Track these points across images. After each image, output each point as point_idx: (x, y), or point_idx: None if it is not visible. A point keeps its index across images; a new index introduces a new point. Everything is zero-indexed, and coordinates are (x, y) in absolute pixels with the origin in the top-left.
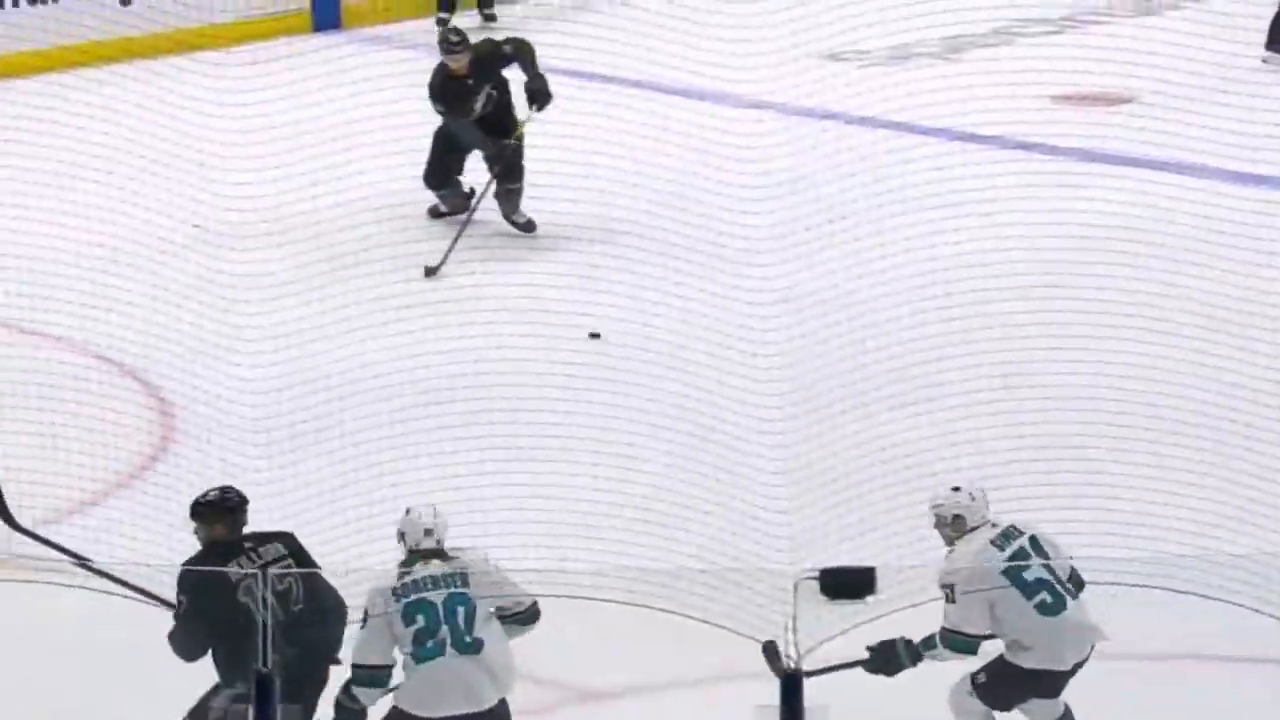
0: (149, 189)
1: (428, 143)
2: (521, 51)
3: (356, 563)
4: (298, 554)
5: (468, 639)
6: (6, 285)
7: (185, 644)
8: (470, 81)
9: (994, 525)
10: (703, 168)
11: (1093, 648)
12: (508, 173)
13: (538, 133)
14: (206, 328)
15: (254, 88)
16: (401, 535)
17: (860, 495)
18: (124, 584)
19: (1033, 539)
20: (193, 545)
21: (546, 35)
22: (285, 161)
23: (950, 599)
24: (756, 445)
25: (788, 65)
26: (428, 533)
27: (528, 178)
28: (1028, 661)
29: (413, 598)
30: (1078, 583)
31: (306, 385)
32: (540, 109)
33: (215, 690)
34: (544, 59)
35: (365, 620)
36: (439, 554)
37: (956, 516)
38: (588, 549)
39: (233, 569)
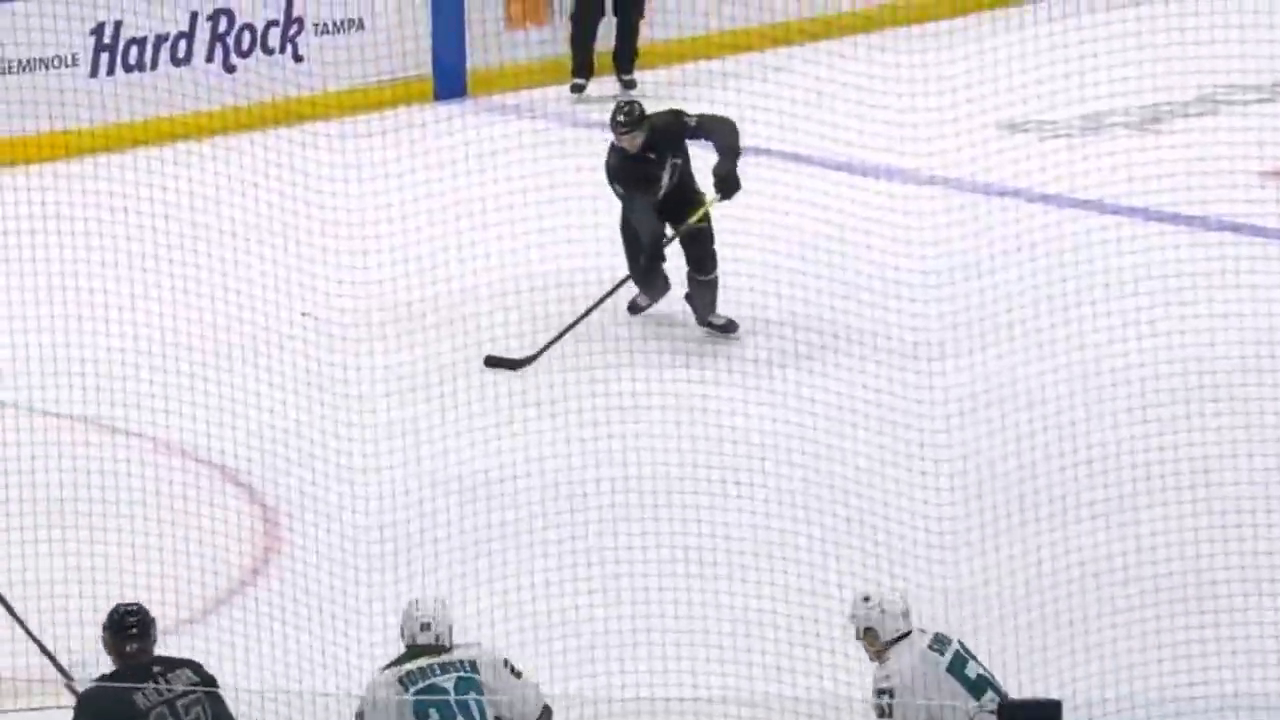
0: (254, 273)
1: (559, 222)
2: (711, 129)
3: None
4: (207, 683)
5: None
6: (99, 379)
7: None
8: (652, 156)
9: (923, 631)
10: (867, 250)
11: None
12: (699, 262)
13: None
14: (315, 426)
15: (371, 162)
16: (401, 629)
17: (1046, 616)
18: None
19: (961, 643)
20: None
21: (689, 104)
22: (404, 243)
23: (886, 712)
24: (927, 560)
25: (963, 137)
26: (424, 627)
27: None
28: None
29: (422, 685)
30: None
31: (425, 491)
32: (725, 198)
33: None
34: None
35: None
36: (439, 650)
37: (867, 629)
38: (731, 669)
39: (140, 697)
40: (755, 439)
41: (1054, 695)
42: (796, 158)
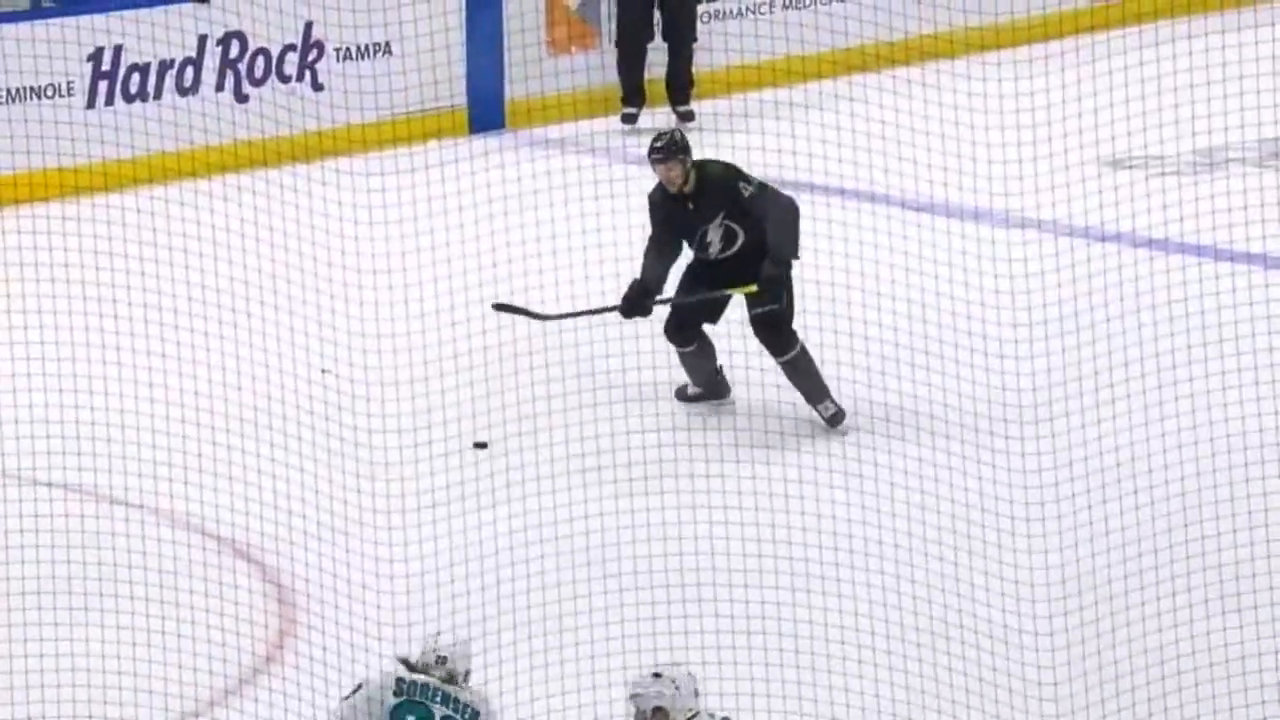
0: (269, 327)
1: (607, 270)
2: (766, 209)
3: None
4: None
5: None
6: (95, 444)
7: None
8: (691, 207)
9: (710, 715)
10: (950, 302)
11: None
12: (770, 346)
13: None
14: (334, 496)
15: (398, 203)
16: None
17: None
18: None
19: None
20: None
21: (754, 136)
22: (434, 293)
23: None
24: (1026, 640)
25: (1061, 174)
26: (439, 661)
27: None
28: None
29: (404, 699)
30: None
31: (456, 568)
32: (761, 304)
33: None
34: (753, 165)
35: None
36: (450, 680)
37: (657, 709)
38: None
39: None
40: (826, 512)
41: None
42: (872, 197)
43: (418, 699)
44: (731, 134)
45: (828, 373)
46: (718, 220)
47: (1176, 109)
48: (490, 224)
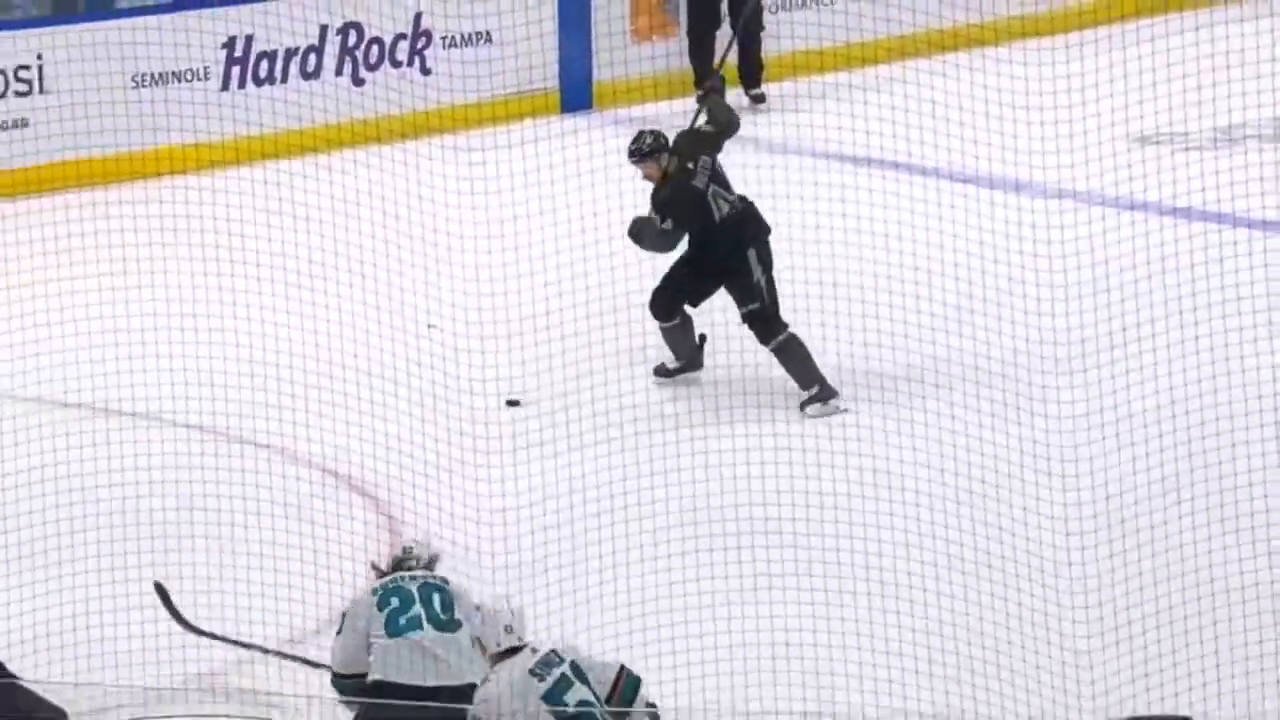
0: (381, 286)
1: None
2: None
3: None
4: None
5: (444, 617)
6: (227, 390)
7: None
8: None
9: (534, 651)
10: (995, 264)
11: None
12: (762, 333)
13: (801, 224)
14: (440, 439)
15: (497, 175)
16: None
17: (1192, 642)
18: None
19: (574, 664)
20: None
21: (818, 115)
22: (529, 256)
23: None
24: (1059, 582)
25: (1094, 149)
26: (406, 551)
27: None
28: None
29: (388, 584)
30: (627, 698)
31: (547, 504)
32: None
33: None
34: (819, 142)
35: (342, 623)
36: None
37: (475, 638)
38: (871, 693)
39: None
40: (880, 453)
41: (1184, 713)
42: (923, 171)
43: (392, 584)
44: (796, 114)
45: (881, 328)
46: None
47: (1199, 90)
48: (579, 195)
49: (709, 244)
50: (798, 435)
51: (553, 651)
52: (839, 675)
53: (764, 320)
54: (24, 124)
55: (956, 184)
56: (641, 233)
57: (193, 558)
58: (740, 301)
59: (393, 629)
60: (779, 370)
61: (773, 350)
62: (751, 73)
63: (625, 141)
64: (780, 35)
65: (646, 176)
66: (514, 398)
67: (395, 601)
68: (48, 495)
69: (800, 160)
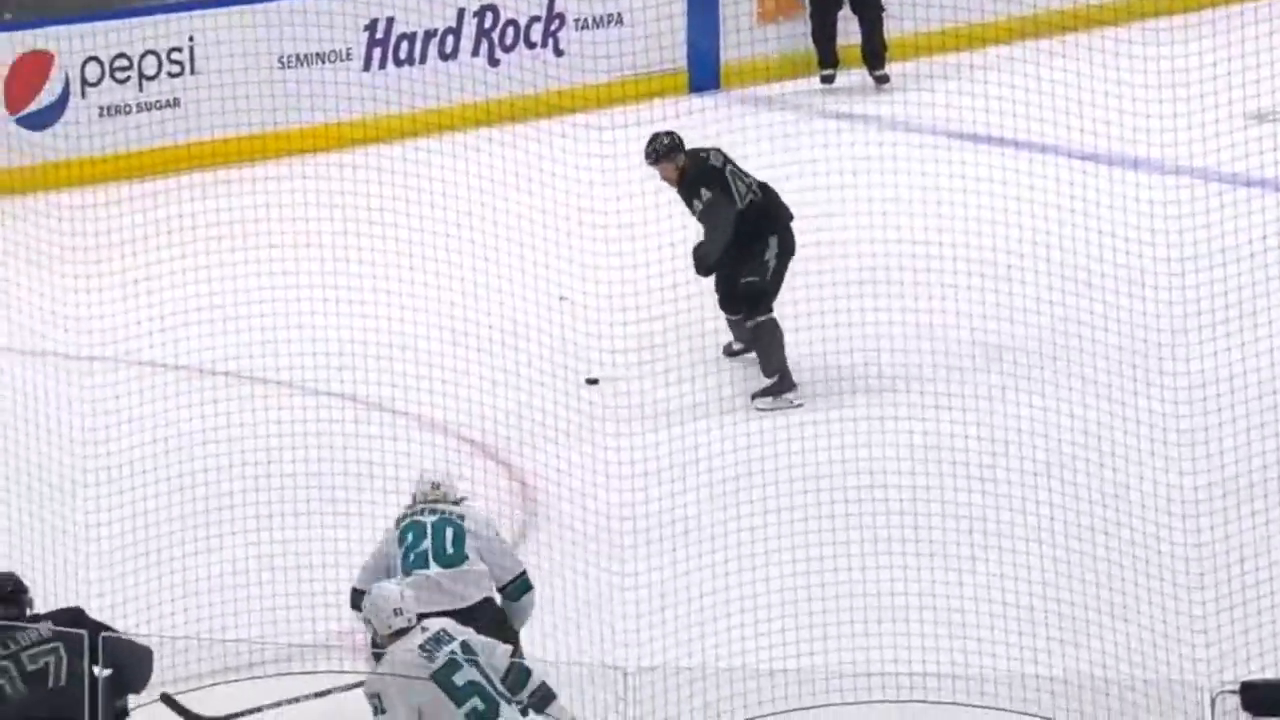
0: (514, 259)
1: (811, 210)
2: (705, 216)
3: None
4: (76, 627)
5: (450, 551)
6: (367, 360)
7: None
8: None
9: (424, 629)
10: (1112, 239)
11: None
12: (750, 309)
13: (923, 200)
14: (569, 407)
15: (627, 153)
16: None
17: None
18: None
19: (464, 644)
20: None
21: (940, 95)
22: (658, 231)
23: (379, 709)
24: (1173, 546)
25: (1210, 127)
26: (435, 486)
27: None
28: None
29: (407, 520)
30: (519, 683)
31: (675, 470)
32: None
33: None
34: (940, 120)
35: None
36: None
37: (365, 620)
38: (989, 654)
39: None
40: (999, 422)
41: None
42: (1043, 148)
43: (410, 520)
44: (919, 93)
45: (1000, 301)
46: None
47: None
48: None
49: (736, 233)
50: (917, 405)
51: (443, 630)
52: (971, 638)
53: (758, 295)
54: (175, 104)
55: (1075, 161)
56: (701, 247)
57: (333, 520)
58: (745, 272)
59: (405, 564)
60: (900, 347)
61: (750, 327)
62: (875, 53)
63: (751, 120)
64: (902, 16)
65: (664, 178)
66: (593, 376)
67: (410, 538)
68: (197, 460)
69: (922, 138)
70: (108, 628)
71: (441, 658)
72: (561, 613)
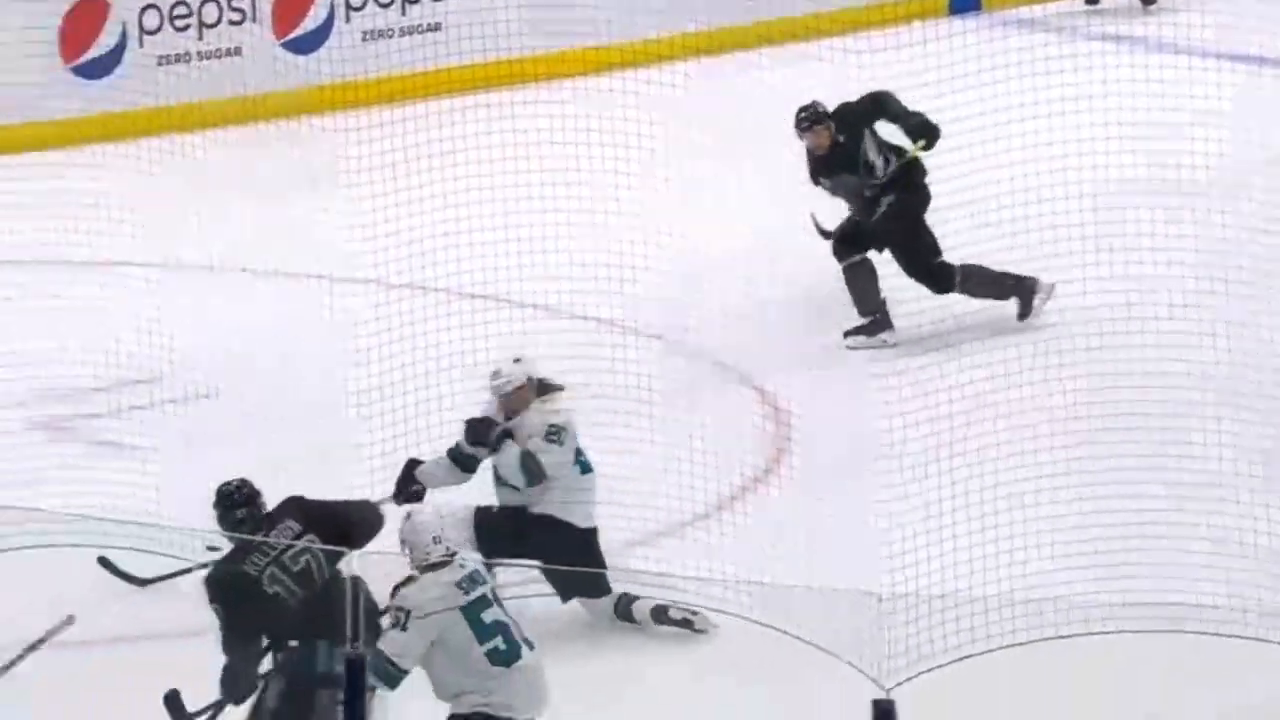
0: (772, 181)
1: (1068, 135)
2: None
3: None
4: (313, 522)
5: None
6: (611, 284)
7: (237, 666)
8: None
9: (461, 566)
10: None
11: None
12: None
13: (1190, 123)
14: (825, 334)
15: (889, 76)
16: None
17: None
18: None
19: (494, 590)
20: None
21: (1211, 15)
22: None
23: (401, 626)
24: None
25: None
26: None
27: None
28: (462, 708)
29: (474, 595)
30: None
31: (921, 400)
32: (929, 146)
33: (265, 687)
34: (1209, 41)
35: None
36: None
37: (403, 541)
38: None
39: (250, 565)
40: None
41: None
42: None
43: (475, 595)
44: (1189, 13)
45: (1254, 225)
46: (865, 143)
47: None
48: (965, 94)
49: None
50: (1068, 350)
51: (478, 570)
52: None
53: (949, 275)
54: (436, 28)
55: None
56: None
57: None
58: (929, 248)
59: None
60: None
61: (845, 267)
62: None
63: (1014, 44)
64: None
65: (815, 145)
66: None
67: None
68: (455, 382)
69: (1191, 60)
70: (326, 503)
71: (475, 594)
72: (815, 538)
